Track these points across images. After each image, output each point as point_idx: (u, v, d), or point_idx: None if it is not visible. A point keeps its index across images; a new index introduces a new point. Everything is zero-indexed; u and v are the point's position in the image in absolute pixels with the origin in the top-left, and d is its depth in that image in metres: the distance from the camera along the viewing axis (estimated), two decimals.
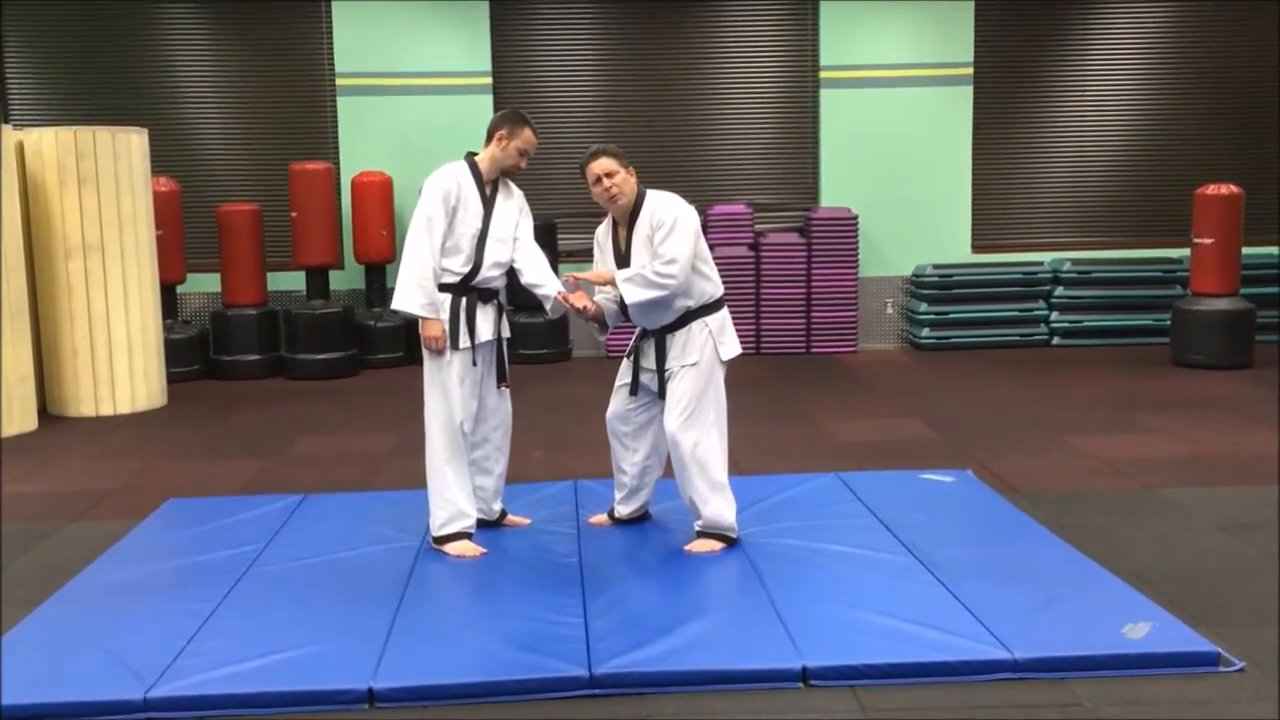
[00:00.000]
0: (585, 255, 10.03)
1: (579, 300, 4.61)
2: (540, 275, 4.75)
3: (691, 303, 4.61)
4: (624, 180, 4.59)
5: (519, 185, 4.89)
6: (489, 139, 4.72)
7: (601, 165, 4.58)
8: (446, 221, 4.60)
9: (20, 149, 7.95)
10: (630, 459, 4.88)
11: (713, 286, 4.66)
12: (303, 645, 3.75)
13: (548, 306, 4.74)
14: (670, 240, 4.49)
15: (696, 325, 4.61)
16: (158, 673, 3.55)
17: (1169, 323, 9.41)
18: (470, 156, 4.74)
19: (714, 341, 4.61)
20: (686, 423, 4.55)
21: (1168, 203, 10.48)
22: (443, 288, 4.63)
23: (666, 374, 4.62)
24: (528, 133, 4.69)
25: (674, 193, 4.68)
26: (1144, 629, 3.71)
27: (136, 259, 8.19)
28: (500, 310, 4.81)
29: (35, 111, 10.20)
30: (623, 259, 4.66)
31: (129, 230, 8.13)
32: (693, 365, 4.57)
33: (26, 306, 7.69)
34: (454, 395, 4.66)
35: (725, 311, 4.71)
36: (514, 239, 4.77)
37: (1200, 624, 3.81)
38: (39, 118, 9.99)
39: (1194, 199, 9.01)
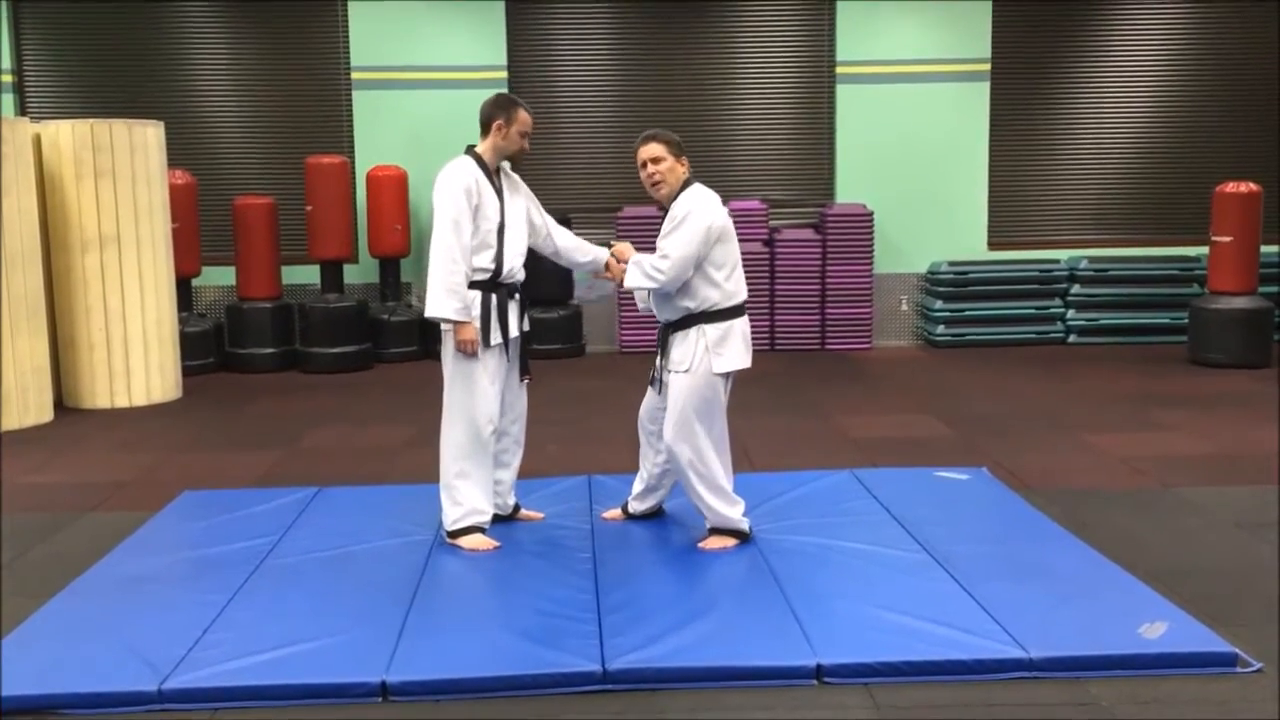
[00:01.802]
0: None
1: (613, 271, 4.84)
2: (587, 249, 4.97)
3: (692, 305, 4.51)
4: (669, 169, 4.53)
5: (528, 176, 4.88)
6: (485, 130, 4.66)
7: (648, 151, 4.56)
8: (472, 220, 4.56)
9: (37, 141, 7.97)
10: (653, 459, 4.85)
11: (720, 295, 4.50)
12: (317, 638, 3.75)
13: (594, 270, 5.00)
14: (671, 237, 4.44)
15: (694, 332, 4.50)
16: (172, 664, 3.56)
17: (1186, 321, 9.36)
18: (473, 150, 4.70)
19: (710, 354, 4.47)
20: (679, 435, 4.50)
21: (1185, 200, 10.41)
22: (472, 285, 4.59)
23: (667, 375, 4.58)
24: (523, 114, 4.65)
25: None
26: (1160, 628, 3.68)
27: (153, 252, 8.21)
28: (523, 305, 4.80)
29: (52, 104, 10.23)
30: None
31: (145, 223, 8.15)
32: (684, 372, 4.49)
33: (43, 299, 7.72)
34: (484, 392, 4.64)
35: (734, 324, 4.53)
36: (529, 226, 4.77)
37: (1218, 624, 3.78)
38: (56, 110, 10.02)
39: (1213, 197, 8.95)
